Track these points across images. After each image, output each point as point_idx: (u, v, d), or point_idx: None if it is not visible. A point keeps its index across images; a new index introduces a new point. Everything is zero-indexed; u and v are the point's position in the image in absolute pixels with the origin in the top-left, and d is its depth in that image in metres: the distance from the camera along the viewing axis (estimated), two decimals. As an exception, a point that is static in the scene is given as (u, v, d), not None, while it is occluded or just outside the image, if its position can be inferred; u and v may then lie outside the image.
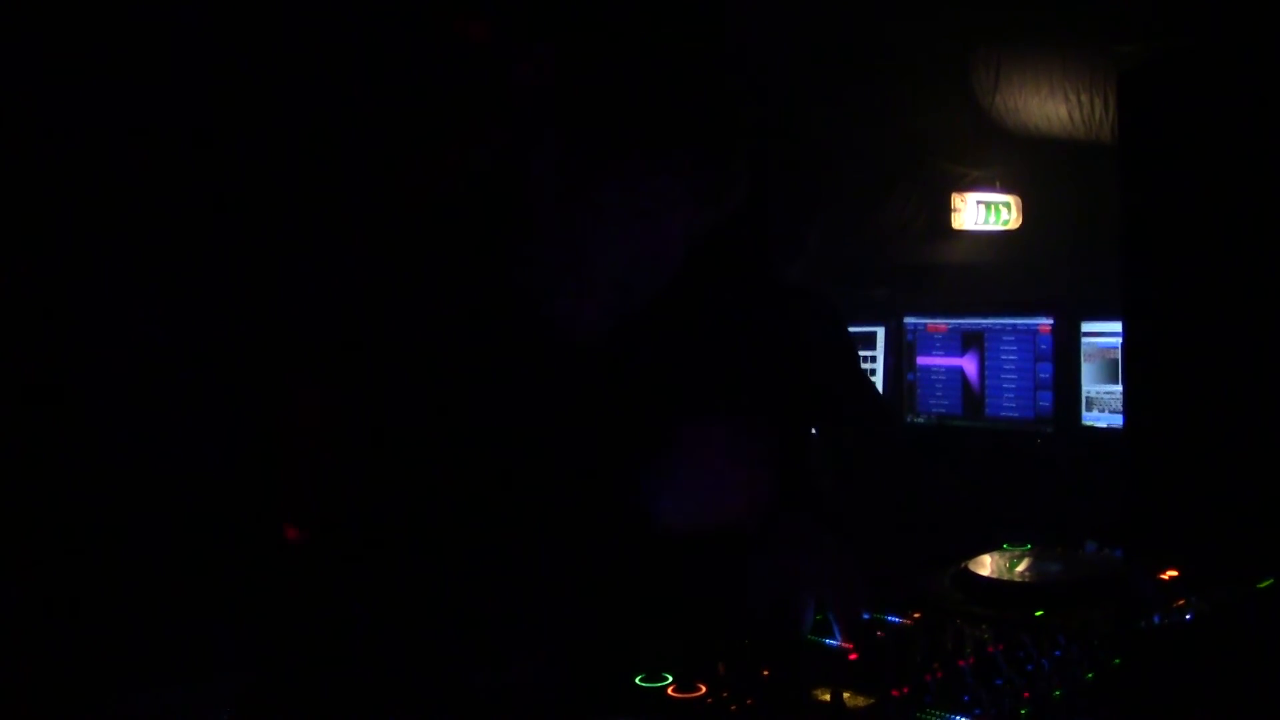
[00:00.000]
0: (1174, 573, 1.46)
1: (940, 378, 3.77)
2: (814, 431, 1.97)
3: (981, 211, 3.92)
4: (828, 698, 1.08)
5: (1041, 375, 3.53)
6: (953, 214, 3.96)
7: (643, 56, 1.23)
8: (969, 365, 3.69)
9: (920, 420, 3.79)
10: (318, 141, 1.27)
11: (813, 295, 2.40)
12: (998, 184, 3.95)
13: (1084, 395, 3.42)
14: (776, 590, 1.29)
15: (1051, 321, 3.51)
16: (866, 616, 1.29)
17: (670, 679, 1.13)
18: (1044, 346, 3.53)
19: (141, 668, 1.09)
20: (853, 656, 1.21)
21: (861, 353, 3.90)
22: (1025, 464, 3.48)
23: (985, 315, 3.67)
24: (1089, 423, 3.40)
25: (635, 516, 1.35)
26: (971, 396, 3.69)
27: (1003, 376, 3.63)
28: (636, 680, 1.14)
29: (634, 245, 1.25)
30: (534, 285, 1.28)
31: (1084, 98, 3.45)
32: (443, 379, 1.23)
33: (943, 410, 3.75)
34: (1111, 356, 3.36)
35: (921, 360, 3.81)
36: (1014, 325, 3.60)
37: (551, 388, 1.30)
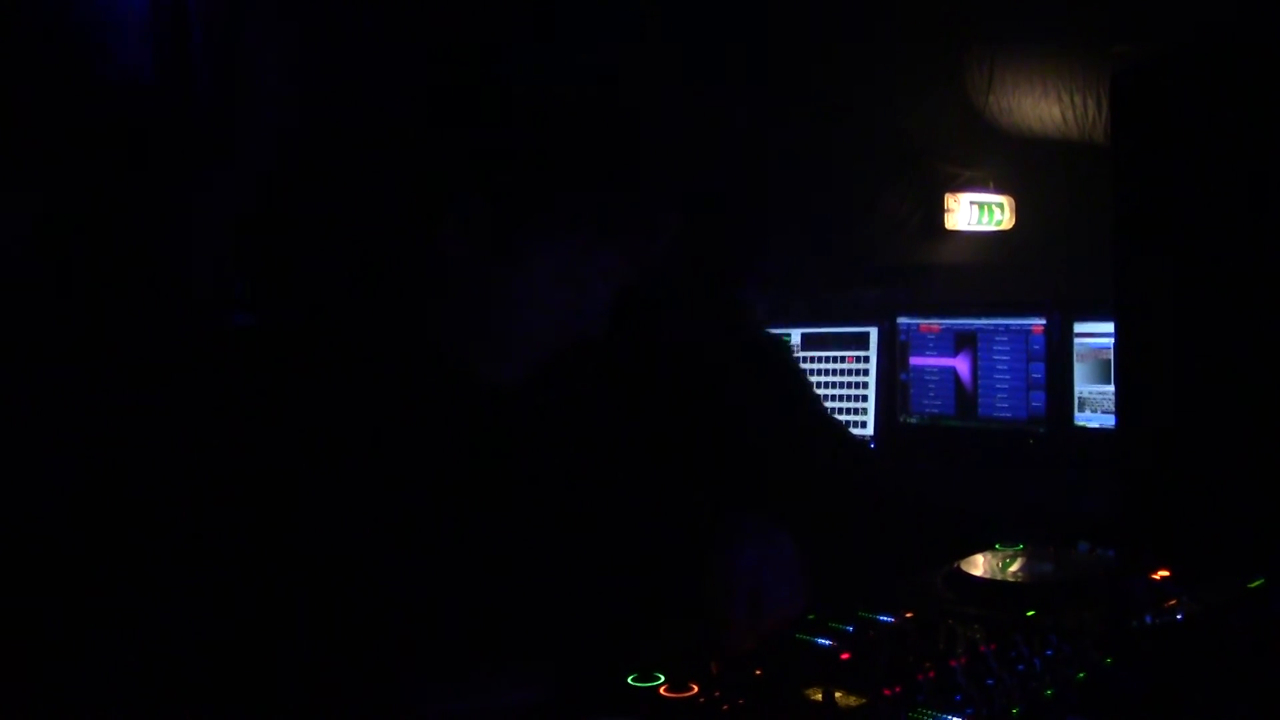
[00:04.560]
0: (1166, 573, 1.46)
1: (933, 378, 3.77)
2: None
3: (975, 212, 3.93)
4: (819, 697, 1.08)
5: (1034, 375, 3.54)
6: (946, 214, 3.96)
7: (560, 119, 1.18)
8: (962, 365, 3.70)
9: (913, 421, 3.79)
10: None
11: (759, 343, 2.37)
12: (991, 184, 3.95)
13: (1076, 395, 3.42)
14: (737, 591, 1.27)
15: (1044, 322, 3.52)
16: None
17: (662, 678, 1.13)
18: (1037, 347, 3.54)
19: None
20: (845, 656, 1.21)
21: (854, 353, 3.90)
22: (1018, 464, 3.49)
23: (978, 315, 3.68)
24: (1081, 423, 3.41)
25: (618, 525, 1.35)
26: (964, 397, 3.69)
27: (995, 377, 3.63)
28: (629, 680, 1.14)
29: (559, 308, 1.21)
30: (448, 348, 1.23)
31: (1077, 98, 3.46)
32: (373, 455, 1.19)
33: (935, 411, 3.76)
34: (1104, 357, 3.37)
35: (914, 360, 3.81)
36: (1007, 325, 3.61)
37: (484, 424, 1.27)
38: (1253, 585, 1.41)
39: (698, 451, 1.44)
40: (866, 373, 3.90)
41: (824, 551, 1.36)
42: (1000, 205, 3.92)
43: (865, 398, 3.85)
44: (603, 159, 1.18)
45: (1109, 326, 3.21)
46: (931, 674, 1.11)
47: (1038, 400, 3.53)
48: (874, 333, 3.92)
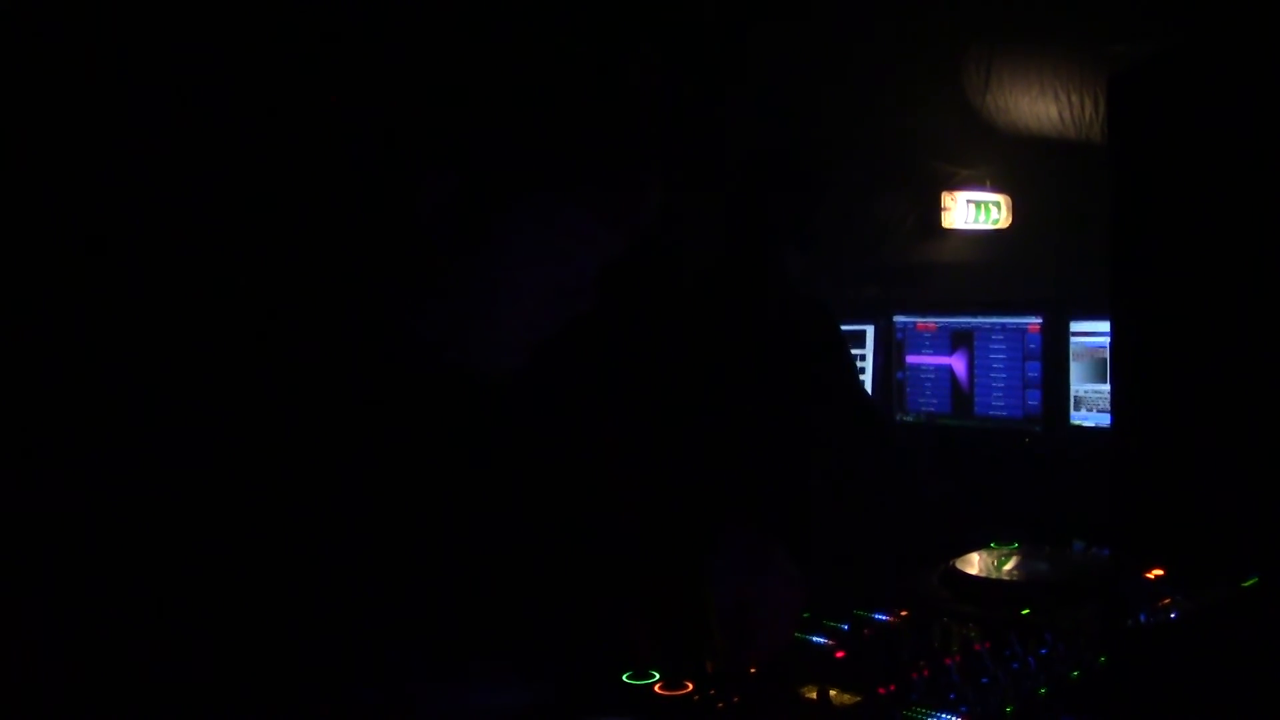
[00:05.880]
0: (1160, 572, 1.47)
1: (929, 376, 3.77)
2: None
3: (971, 210, 3.93)
4: (814, 695, 1.08)
5: (1030, 374, 3.54)
6: (943, 213, 3.97)
7: (541, 87, 1.17)
8: (958, 364, 3.70)
9: (909, 419, 3.80)
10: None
11: (810, 302, 2.39)
12: (988, 183, 3.95)
13: (1072, 394, 3.43)
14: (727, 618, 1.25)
15: (1040, 321, 3.52)
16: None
17: (657, 676, 1.13)
18: (1033, 345, 3.54)
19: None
20: (840, 654, 1.21)
21: (851, 351, 3.91)
22: (1013, 463, 3.49)
23: (974, 314, 3.68)
24: (1077, 422, 3.41)
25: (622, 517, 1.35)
26: (960, 395, 3.70)
27: (991, 375, 3.64)
28: (624, 677, 1.14)
29: (545, 284, 1.19)
30: (435, 335, 1.22)
31: (1074, 98, 3.46)
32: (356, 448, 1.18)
33: (932, 409, 3.76)
34: (1100, 356, 3.37)
35: (911, 359, 3.82)
36: (1003, 324, 3.61)
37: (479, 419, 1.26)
38: (1246, 584, 1.41)
39: (709, 419, 1.43)
40: (863, 371, 3.91)
41: (827, 533, 1.36)
42: (997, 204, 3.93)
43: (862, 396, 3.86)
44: (580, 130, 1.17)
45: (1105, 325, 3.22)
46: (926, 672, 1.12)
47: (1034, 399, 3.53)
48: (870, 331, 3.92)
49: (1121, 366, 2.29)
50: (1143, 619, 1.27)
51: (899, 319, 3.85)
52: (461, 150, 1.15)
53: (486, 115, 1.15)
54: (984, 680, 1.10)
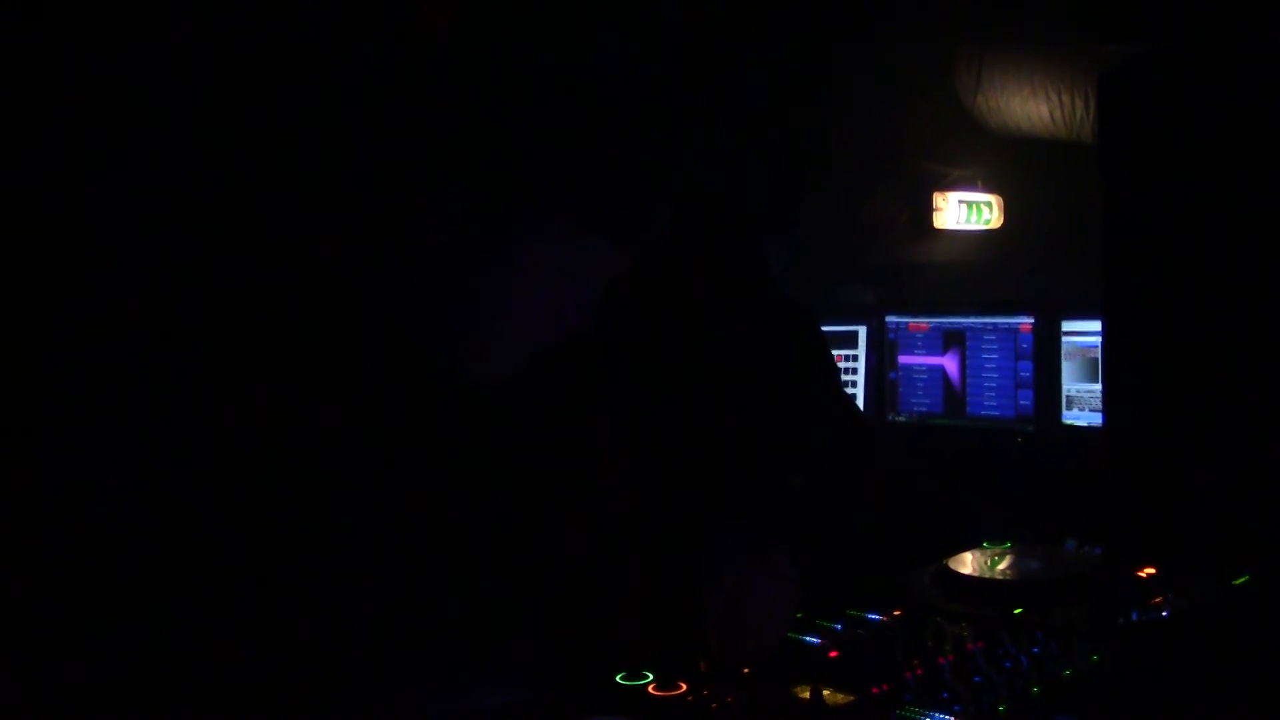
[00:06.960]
0: (1152, 570, 1.47)
1: (922, 376, 3.78)
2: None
3: (963, 211, 3.93)
4: (808, 695, 1.08)
5: (1022, 374, 3.55)
6: (934, 213, 3.97)
7: (552, 109, 1.17)
8: (950, 364, 3.71)
9: (902, 419, 3.80)
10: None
11: (790, 302, 2.40)
12: (979, 183, 3.96)
13: (1064, 394, 3.43)
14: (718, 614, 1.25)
15: (1032, 320, 3.53)
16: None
17: (651, 677, 1.13)
18: (1025, 345, 3.55)
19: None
20: (833, 654, 1.22)
21: (843, 352, 3.91)
22: (1006, 462, 3.50)
23: (966, 314, 3.69)
24: (1069, 421, 3.42)
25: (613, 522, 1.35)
26: (953, 395, 3.70)
27: (984, 375, 3.64)
28: (617, 678, 1.14)
29: (552, 300, 1.20)
30: (435, 341, 1.23)
31: (1065, 98, 3.47)
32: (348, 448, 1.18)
33: (924, 409, 3.77)
34: (1092, 355, 3.38)
35: (903, 359, 3.82)
36: (995, 324, 3.62)
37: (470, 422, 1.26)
38: (1238, 582, 1.42)
39: (698, 433, 1.44)
40: (855, 371, 3.91)
41: (818, 535, 1.36)
42: (989, 204, 3.93)
43: (854, 396, 3.86)
44: (595, 150, 1.18)
45: (1097, 325, 3.23)
46: (919, 672, 1.12)
47: (1026, 398, 3.54)
48: (863, 331, 3.92)
49: (1113, 366, 2.29)
50: (1135, 617, 1.27)
51: (891, 319, 3.85)
52: (479, 164, 1.15)
53: (504, 130, 1.15)
54: (977, 679, 1.10)
